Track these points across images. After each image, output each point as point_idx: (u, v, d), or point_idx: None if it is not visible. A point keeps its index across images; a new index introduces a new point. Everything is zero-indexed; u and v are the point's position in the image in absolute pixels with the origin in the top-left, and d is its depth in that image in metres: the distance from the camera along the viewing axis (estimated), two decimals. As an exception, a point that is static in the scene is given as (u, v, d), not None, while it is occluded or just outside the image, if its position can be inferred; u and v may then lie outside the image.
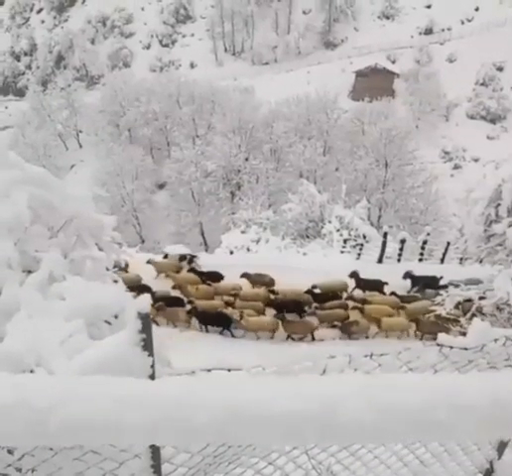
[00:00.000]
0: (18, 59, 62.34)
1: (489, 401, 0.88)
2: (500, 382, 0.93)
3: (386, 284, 9.46)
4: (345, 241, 16.85)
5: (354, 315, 8.53)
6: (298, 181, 26.99)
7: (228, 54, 59.85)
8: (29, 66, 61.19)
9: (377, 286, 9.44)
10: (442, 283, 9.38)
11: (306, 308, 8.63)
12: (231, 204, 34.76)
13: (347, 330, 8.21)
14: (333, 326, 8.28)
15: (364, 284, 9.44)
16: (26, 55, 62.28)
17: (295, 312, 8.47)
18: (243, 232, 20.54)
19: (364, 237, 16.52)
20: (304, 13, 59.19)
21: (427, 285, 9.59)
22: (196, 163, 36.20)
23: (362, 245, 16.01)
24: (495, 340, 1.99)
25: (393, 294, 9.19)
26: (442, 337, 1.89)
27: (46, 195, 1.94)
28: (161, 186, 41.45)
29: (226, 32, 58.70)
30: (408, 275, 9.84)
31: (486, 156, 38.51)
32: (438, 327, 8.06)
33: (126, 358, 1.43)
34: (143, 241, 34.79)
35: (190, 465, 1.78)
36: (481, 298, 6.56)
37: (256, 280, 9.48)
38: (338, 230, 17.35)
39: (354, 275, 9.43)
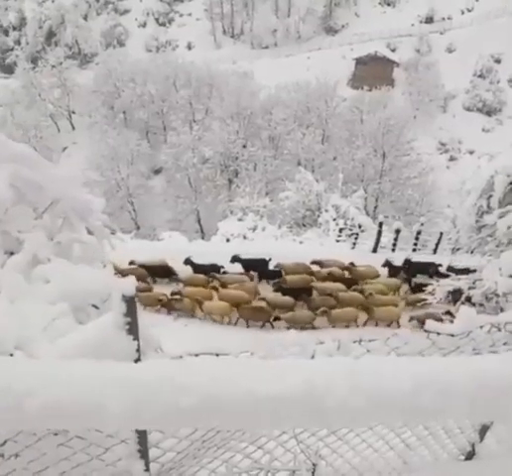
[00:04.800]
0: (6, 33, 58.54)
1: (474, 384, 0.87)
2: (484, 366, 0.92)
3: (222, 267, 10.20)
4: (341, 230, 16.90)
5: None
6: (295, 169, 26.84)
7: (227, 36, 58.16)
8: (18, 42, 57.54)
9: (213, 269, 10.14)
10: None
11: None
12: (228, 191, 34.55)
13: (170, 307, 8.95)
14: (160, 300, 8.92)
15: (200, 268, 10.18)
16: (15, 29, 58.42)
17: None
18: (240, 220, 20.48)
19: (360, 226, 16.57)
20: (305, -4, 57.79)
21: (256, 267, 10.25)
22: (194, 148, 35.75)
23: (358, 234, 16.06)
24: (481, 327, 1.99)
25: (224, 273, 10.02)
26: (430, 324, 1.90)
27: (30, 174, 1.87)
28: (157, 172, 40.90)
29: (225, 13, 56.83)
30: (235, 258, 10.35)
31: (481, 148, 38.51)
32: (258, 314, 8.49)
33: (110, 342, 1.40)
34: (138, 227, 34.54)
35: (177, 450, 1.77)
36: (471, 288, 6.63)
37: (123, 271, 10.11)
38: (335, 219, 17.38)
39: (188, 261, 10.16)
